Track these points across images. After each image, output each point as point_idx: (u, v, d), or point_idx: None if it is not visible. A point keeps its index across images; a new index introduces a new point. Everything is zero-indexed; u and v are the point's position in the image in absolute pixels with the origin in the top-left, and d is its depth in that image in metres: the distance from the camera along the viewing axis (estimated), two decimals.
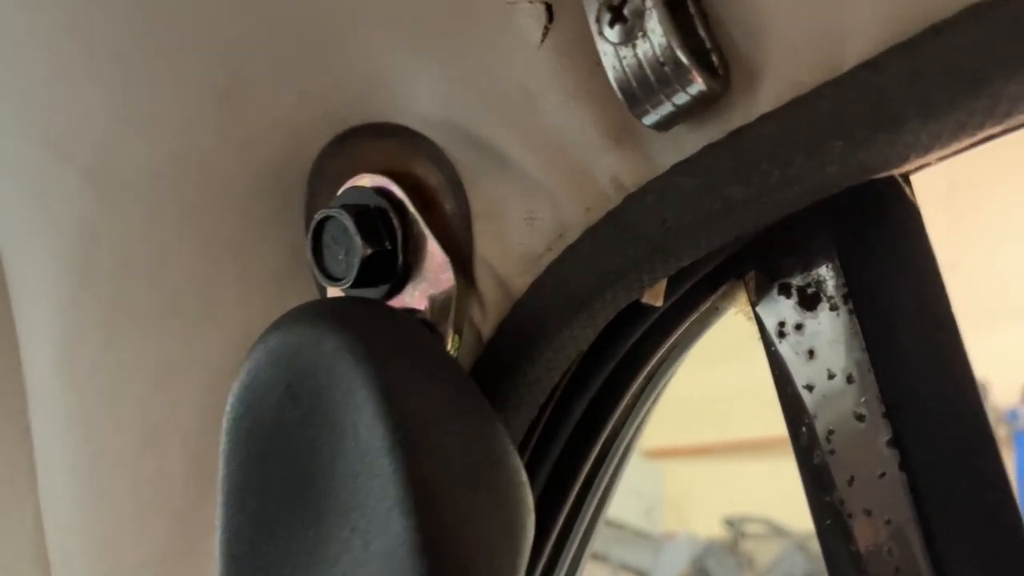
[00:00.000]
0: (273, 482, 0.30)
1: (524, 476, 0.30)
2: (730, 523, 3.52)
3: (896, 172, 0.28)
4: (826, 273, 0.30)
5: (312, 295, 0.41)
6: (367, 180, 0.36)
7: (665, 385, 0.39)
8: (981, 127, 0.23)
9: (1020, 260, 3.19)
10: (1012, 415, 3.27)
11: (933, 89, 0.22)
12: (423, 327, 0.34)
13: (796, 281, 0.31)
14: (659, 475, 3.80)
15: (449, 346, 0.35)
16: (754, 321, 0.32)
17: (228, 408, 0.31)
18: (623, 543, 3.56)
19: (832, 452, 0.29)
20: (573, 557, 0.40)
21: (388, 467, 0.27)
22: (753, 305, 0.32)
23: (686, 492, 3.86)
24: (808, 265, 0.30)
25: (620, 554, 3.54)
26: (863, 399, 0.29)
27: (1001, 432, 3.28)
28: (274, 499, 0.30)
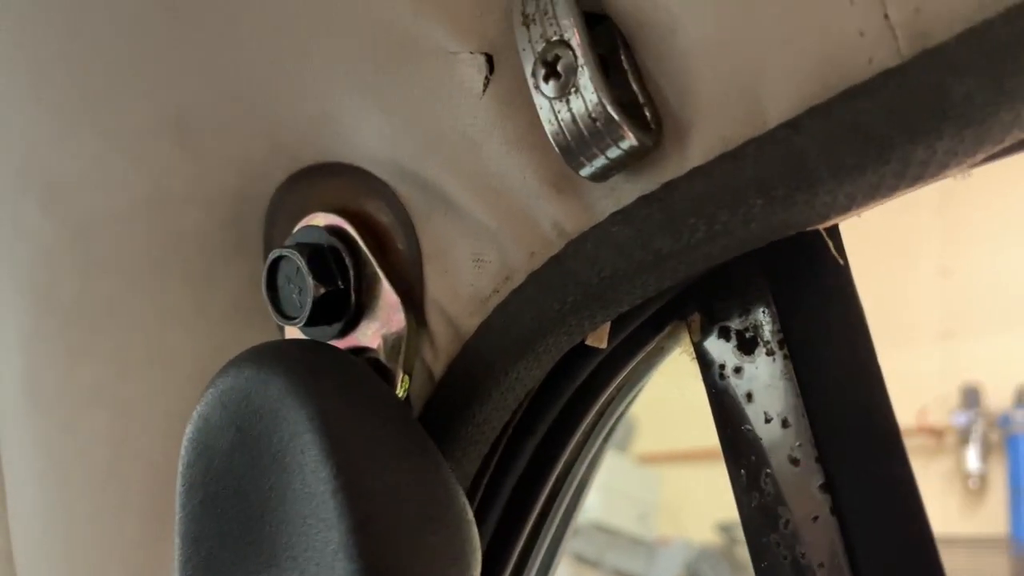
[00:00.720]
0: (226, 525, 0.30)
1: (470, 515, 0.30)
2: (724, 529, 3.52)
3: (821, 226, 0.28)
4: (762, 318, 0.30)
5: (270, 329, 0.42)
6: (321, 219, 0.37)
7: (617, 421, 0.39)
8: (894, 189, 0.23)
9: (1014, 265, 3.20)
10: (1005, 419, 3.28)
11: (846, 152, 0.23)
12: (369, 369, 0.34)
13: (735, 325, 0.31)
14: (654, 480, 3.80)
15: (399, 386, 0.35)
16: (696, 361, 0.33)
17: (182, 451, 0.31)
18: (617, 549, 3.56)
19: (769, 494, 0.30)
20: None
21: (332, 510, 0.28)
22: (696, 346, 0.33)
23: (680, 498, 3.86)
24: (746, 310, 0.31)
25: (614, 560, 3.55)
26: (797, 443, 0.29)
27: (994, 437, 3.28)
28: (228, 541, 0.30)
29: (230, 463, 0.31)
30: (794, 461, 0.29)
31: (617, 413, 0.39)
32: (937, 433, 3.31)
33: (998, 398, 3.30)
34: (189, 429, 0.32)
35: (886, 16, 0.23)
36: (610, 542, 3.53)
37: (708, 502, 3.72)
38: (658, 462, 3.78)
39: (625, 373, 0.35)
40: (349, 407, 0.30)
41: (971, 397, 3.32)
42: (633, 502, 3.61)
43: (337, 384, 0.30)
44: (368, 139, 0.34)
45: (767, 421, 0.30)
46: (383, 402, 0.31)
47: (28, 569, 0.50)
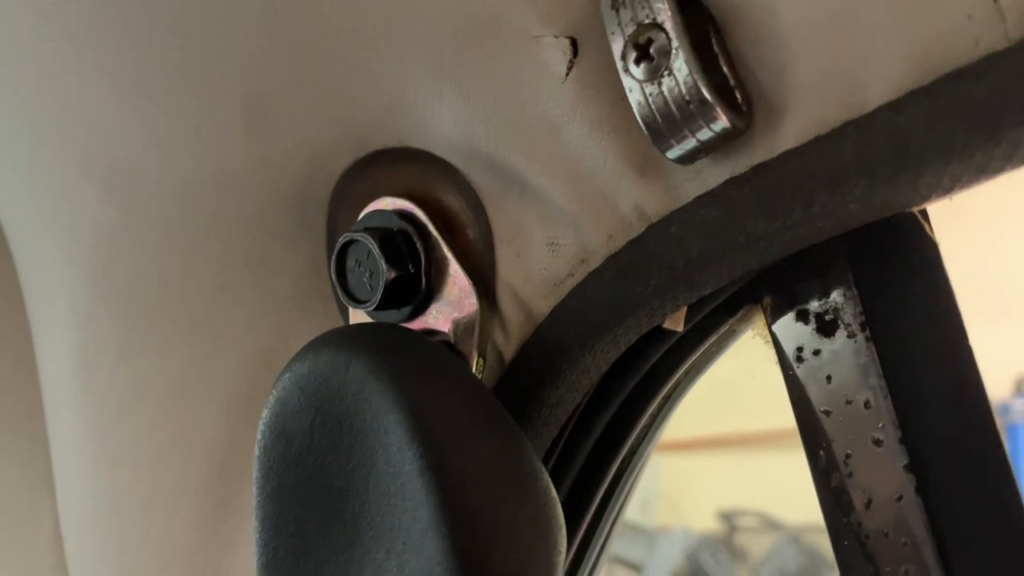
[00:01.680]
0: (307, 506, 0.31)
1: (553, 491, 0.30)
2: (724, 517, 3.54)
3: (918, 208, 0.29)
4: (843, 300, 0.31)
5: (332, 314, 0.42)
6: (389, 203, 0.37)
7: (679, 402, 0.39)
8: (1001, 170, 0.23)
9: (1011, 255, 3.21)
10: (1004, 409, 3.30)
11: (953, 133, 0.23)
12: (448, 350, 0.34)
13: (814, 307, 0.31)
14: (655, 469, 3.82)
15: (473, 368, 0.35)
16: (771, 344, 0.33)
17: (259, 436, 0.31)
18: (617, 537, 3.58)
19: (850, 475, 0.30)
20: (592, 568, 0.40)
21: (420, 489, 0.28)
22: (771, 329, 0.33)
23: (681, 486, 3.88)
24: (825, 292, 0.31)
25: (615, 547, 3.56)
26: (880, 424, 0.30)
27: None
28: (309, 524, 0.31)
29: (310, 445, 0.31)
30: (877, 442, 0.30)
31: (684, 396, 0.39)
32: None
33: (997, 387, 3.32)
34: (266, 413, 0.32)
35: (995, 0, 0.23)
36: None
37: (708, 490, 3.74)
38: (659, 451, 3.79)
39: (696, 356, 0.36)
40: (431, 387, 0.30)
41: None
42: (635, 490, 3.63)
43: (418, 365, 0.31)
44: (443, 124, 0.34)
45: (848, 403, 0.30)
46: (464, 382, 0.31)
47: (78, 553, 0.50)
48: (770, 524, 3.37)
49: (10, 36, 0.37)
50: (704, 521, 3.62)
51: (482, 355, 0.35)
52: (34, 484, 0.53)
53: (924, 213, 0.30)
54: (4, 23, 0.37)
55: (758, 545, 3.40)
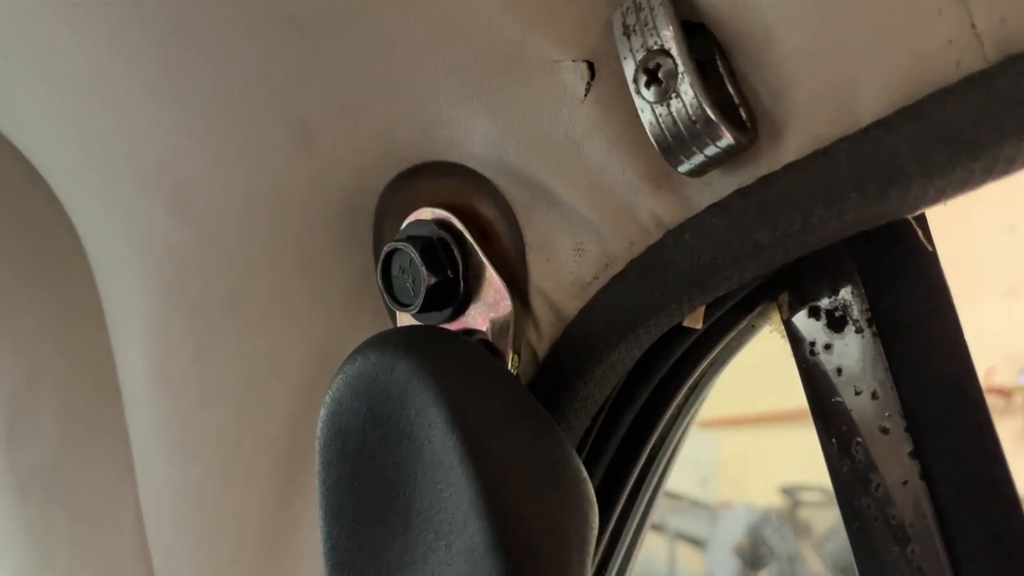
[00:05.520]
0: (364, 496, 0.34)
1: (584, 473, 0.33)
2: (786, 491, 3.52)
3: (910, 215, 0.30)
4: (851, 298, 0.33)
5: (382, 315, 0.45)
6: (429, 213, 0.40)
7: (705, 396, 0.42)
8: (982, 182, 0.25)
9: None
10: None
11: (936, 151, 0.25)
12: (483, 348, 0.37)
13: (824, 304, 0.33)
14: (714, 444, 3.82)
15: (509, 364, 0.38)
16: (787, 339, 0.35)
17: (319, 433, 0.35)
18: (679, 512, 3.59)
19: (860, 461, 0.32)
20: (625, 552, 0.43)
21: (461, 475, 0.31)
22: (786, 325, 0.35)
23: (741, 461, 3.87)
24: (834, 290, 0.33)
25: (677, 523, 3.58)
26: (887, 414, 0.32)
27: None
28: (366, 511, 0.34)
29: (364, 440, 0.34)
30: (884, 430, 0.32)
31: (708, 388, 0.41)
32: (1006, 394, 3.26)
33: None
34: (323, 412, 0.36)
35: (973, 25, 0.25)
36: (672, 506, 3.56)
37: (770, 465, 3.72)
38: (719, 426, 3.78)
39: (717, 351, 0.38)
40: (468, 382, 0.33)
41: None
42: (694, 466, 3.63)
43: (456, 363, 0.33)
44: (475, 141, 0.37)
45: (857, 394, 0.32)
46: (498, 377, 0.34)
47: (159, 538, 0.55)
48: (833, 499, 3.34)
49: (88, 72, 0.41)
50: (766, 496, 3.61)
51: (517, 352, 0.38)
52: (118, 474, 0.58)
53: (921, 218, 0.32)
54: (84, 62, 0.41)
55: (821, 520, 3.39)
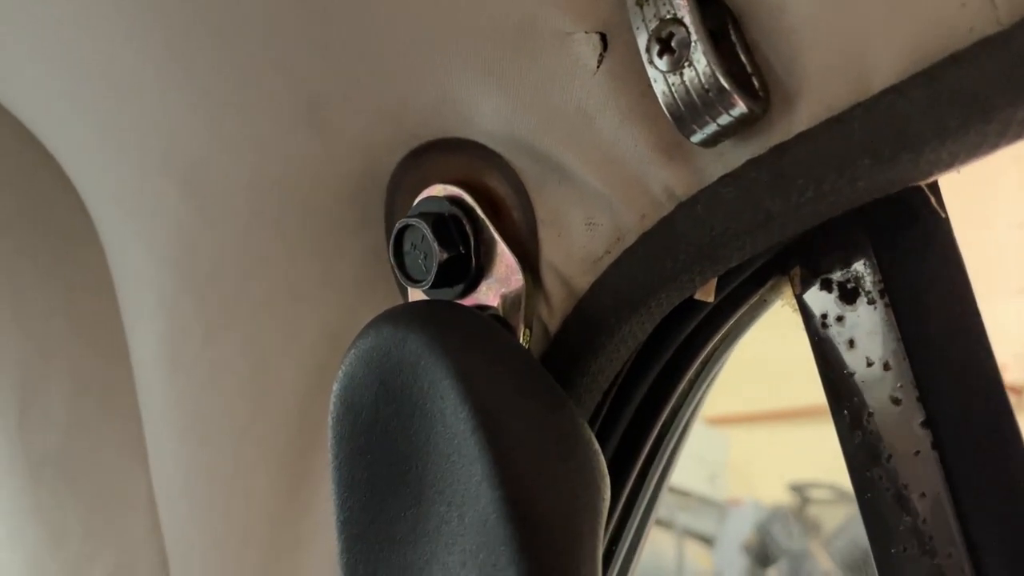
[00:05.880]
0: (377, 469, 0.34)
1: (596, 445, 0.33)
2: (795, 489, 3.52)
3: (923, 183, 0.30)
4: (863, 270, 0.33)
5: (392, 294, 0.45)
6: (440, 190, 0.40)
7: (719, 370, 0.42)
8: (996, 146, 0.25)
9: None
10: None
11: (949, 115, 0.25)
12: (494, 322, 0.37)
13: (836, 277, 0.33)
14: (723, 442, 3.81)
15: (520, 338, 0.38)
16: (799, 312, 0.35)
17: (331, 407, 0.35)
18: (688, 510, 3.59)
19: (871, 432, 0.32)
20: (637, 526, 0.43)
21: (474, 446, 0.31)
22: (798, 299, 0.35)
23: (750, 458, 3.86)
24: (847, 262, 0.33)
25: (685, 520, 3.58)
26: (899, 384, 0.32)
27: None
28: (379, 483, 0.34)
29: (376, 413, 0.35)
30: (895, 401, 0.32)
31: (720, 363, 0.41)
32: (1017, 391, 3.24)
33: None
34: (336, 387, 0.36)
35: None
36: (681, 503, 3.56)
37: (778, 462, 3.72)
38: (728, 423, 3.78)
39: (729, 325, 0.38)
40: (480, 355, 0.33)
41: None
42: (703, 463, 3.63)
43: (467, 336, 0.34)
44: (486, 117, 0.37)
45: (869, 365, 0.32)
46: (509, 350, 0.34)
47: (171, 516, 0.55)
48: (843, 496, 3.34)
49: (95, 51, 0.41)
50: (775, 494, 3.61)
51: (528, 327, 0.38)
52: (130, 455, 0.58)
53: (935, 187, 0.31)
54: (92, 41, 0.41)
55: (830, 517, 3.38)
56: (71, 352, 0.60)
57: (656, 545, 3.44)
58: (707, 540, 3.68)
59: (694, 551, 3.65)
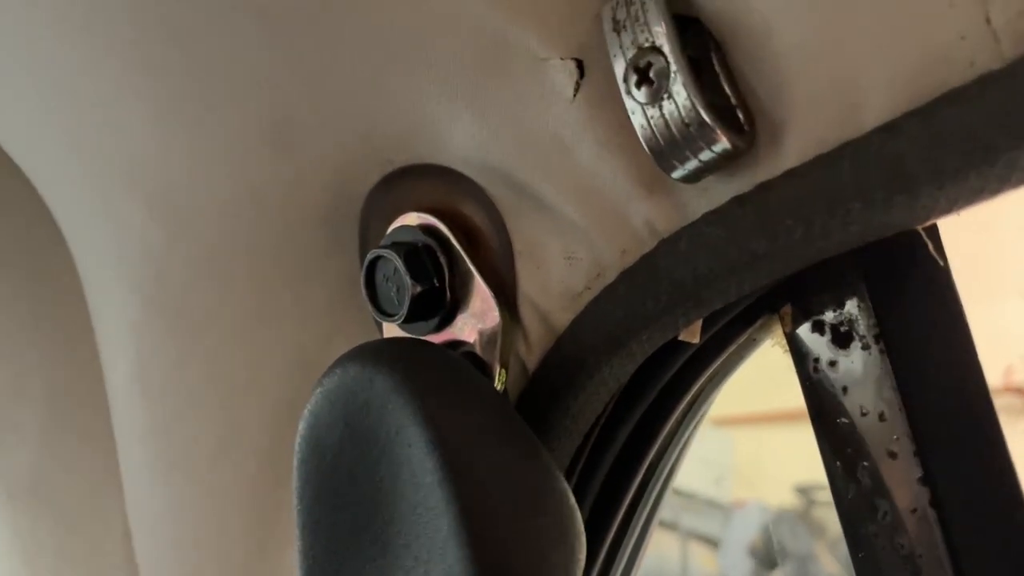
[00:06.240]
0: (341, 515, 0.32)
1: (572, 500, 0.31)
2: (801, 491, 3.49)
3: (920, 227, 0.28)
4: (856, 312, 0.31)
5: (367, 322, 0.43)
6: (414, 218, 0.38)
7: (706, 411, 0.40)
8: (998, 191, 0.23)
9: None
10: None
11: (947, 157, 0.23)
12: (468, 364, 0.35)
13: (829, 319, 0.31)
14: (728, 443, 3.78)
15: (496, 379, 0.36)
16: (790, 354, 0.33)
17: (296, 448, 0.33)
18: (693, 512, 3.57)
19: (866, 486, 0.30)
20: (623, 572, 0.41)
21: (441, 499, 0.29)
22: (789, 340, 0.33)
23: (756, 460, 3.84)
24: (839, 303, 0.31)
25: (690, 522, 3.55)
26: (895, 437, 0.30)
27: None
28: (343, 530, 0.32)
29: (341, 457, 0.33)
30: (892, 455, 0.30)
31: (708, 403, 0.39)
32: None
33: None
34: (301, 427, 0.34)
35: (988, 20, 0.22)
36: (686, 505, 3.53)
37: (784, 464, 3.69)
38: (733, 425, 3.75)
39: (716, 366, 0.36)
40: (450, 400, 0.31)
41: None
42: (708, 465, 3.61)
43: (438, 379, 0.32)
44: (460, 143, 0.35)
45: (863, 415, 0.30)
46: (482, 395, 0.32)
47: (146, 547, 0.53)
48: None
49: (59, 70, 0.40)
50: (781, 496, 3.58)
51: (504, 366, 0.36)
52: (104, 484, 0.56)
53: (934, 230, 0.29)
54: (54, 60, 0.39)
55: (836, 520, 3.35)
56: (47, 374, 0.59)
57: (660, 547, 3.42)
58: (712, 542, 3.65)
59: (699, 553, 3.63)
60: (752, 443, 3.76)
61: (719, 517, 3.65)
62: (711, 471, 3.63)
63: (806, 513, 3.52)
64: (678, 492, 3.51)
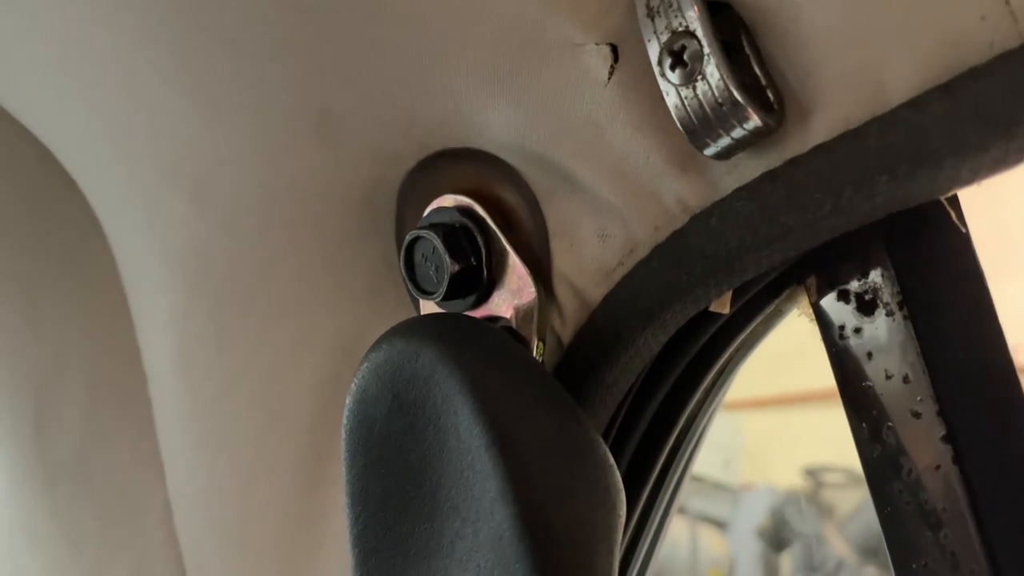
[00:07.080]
0: (390, 483, 0.34)
1: (611, 460, 0.33)
2: (809, 473, 3.50)
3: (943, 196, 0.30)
4: (880, 281, 0.32)
5: (404, 303, 0.45)
6: (451, 200, 0.40)
7: (733, 379, 0.41)
8: (1018, 162, 0.25)
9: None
10: None
11: (969, 130, 0.24)
12: (508, 335, 0.37)
13: (854, 287, 0.33)
14: (736, 426, 3.80)
15: (534, 351, 0.38)
16: (816, 323, 0.35)
17: (344, 420, 0.35)
18: (701, 495, 3.58)
19: (891, 446, 0.32)
20: (652, 537, 0.43)
21: (487, 462, 0.31)
22: (815, 309, 0.34)
23: (764, 443, 3.85)
24: (864, 273, 0.33)
25: (699, 505, 3.57)
26: (919, 398, 0.31)
27: None
28: (393, 498, 0.34)
29: (389, 427, 0.34)
30: (916, 415, 0.31)
31: (735, 373, 0.41)
32: None
33: None
34: (349, 400, 0.36)
35: (1007, 1, 0.24)
36: (694, 488, 3.55)
37: (792, 447, 3.70)
38: (741, 408, 3.77)
39: (744, 336, 0.37)
40: (494, 369, 0.32)
41: None
42: (717, 448, 3.62)
43: (481, 350, 0.33)
44: (496, 127, 0.36)
45: (888, 378, 0.32)
46: (523, 364, 0.34)
47: (187, 526, 0.55)
48: (857, 480, 3.32)
49: (105, 61, 0.41)
50: (789, 478, 3.59)
51: (542, 339, 0.38)
52: (145, 462, 0.58)
53: (955, 199, 0.31)
54: (101, 51, 0.41)
55: (845, 501, 3.37)
56: (86, 357, 0.60)
57: (670, 531, 3.43)
58: (721, 525, 3.67)
59: (708, 536, 3.65)
60: (760, 426, 3.78)
61: (728, 500, 3.67)
62: (720, 454, 3.65)
63: (815, 495, 3.53)
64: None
